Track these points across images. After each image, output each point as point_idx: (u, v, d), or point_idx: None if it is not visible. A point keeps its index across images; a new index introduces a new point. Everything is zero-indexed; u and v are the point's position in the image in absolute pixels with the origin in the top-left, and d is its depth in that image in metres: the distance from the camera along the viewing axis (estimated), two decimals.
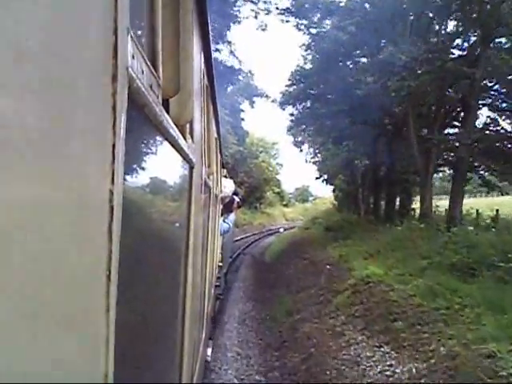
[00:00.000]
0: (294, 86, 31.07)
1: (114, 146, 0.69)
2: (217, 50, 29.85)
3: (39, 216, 0.53)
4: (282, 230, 46.35)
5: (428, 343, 8.69)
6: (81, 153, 0.63)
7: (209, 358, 5.56)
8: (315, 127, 33.09)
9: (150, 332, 1.32)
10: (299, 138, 48.94)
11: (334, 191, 48.61)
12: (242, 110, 41.37)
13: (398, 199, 31.36)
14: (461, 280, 11.48)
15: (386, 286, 12.02)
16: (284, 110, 33.76)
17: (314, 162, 49.25)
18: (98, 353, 0.67)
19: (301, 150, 50.84)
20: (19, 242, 0.50)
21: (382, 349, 9.30)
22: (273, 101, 35.06)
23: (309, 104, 31.49)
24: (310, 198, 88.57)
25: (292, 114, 33.89)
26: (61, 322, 0.58)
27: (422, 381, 7.87)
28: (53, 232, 0.56)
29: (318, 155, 45.03)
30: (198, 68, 2.26)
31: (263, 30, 32.14)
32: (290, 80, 30.62)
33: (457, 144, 22.86)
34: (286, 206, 73.84)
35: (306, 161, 51.93)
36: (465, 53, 22.29)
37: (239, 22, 31.26)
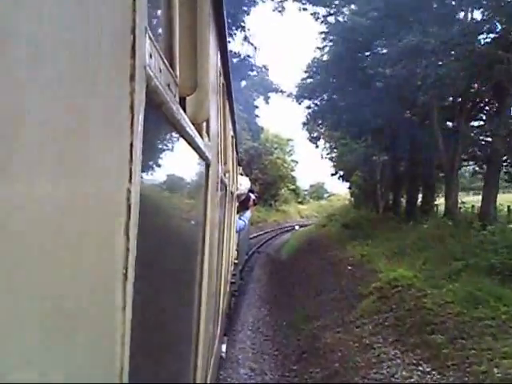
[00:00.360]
0: (311, 79, 29.99)
1: (131, 144, 0.69)
2: (230, 35, 28.04)
3: (58, 214, 0.53)
4: (297, 227, 45.42)
5: (477, 362, 7.41)
6: (99, 151, 0.63)
7: (223, 355, 5.56)
8: (332, 121, 31.27)
9: (166, 328, 1.33)
10: (315, 134, 47.69)
11: (350, 188, 47.42)
12: (257, 107, 40.64)
13: (419, 195, 29.39)
14: (504, 285, 10.26)
15: (418, 290, 10.88)
16: (300, 103, 32.59)
17: (331, 158, 48.19)
18: (114, 350, 0.68)
19: (316, 146, 48.89)
20: (38, 240, 0.50)
21: (421, 367, 8.01)
22: (288, 95, 33.87)
23: (326, 97, 30.24)
24: (325, 195, 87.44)
25: (309, 107, 32.66)
26: (78, 320, 0.58)
27: None
28: (71, 230, 0.56)
29: (335, 150, 43.90)
30: (214, 66, 2.27)
31: (280, 11, 30.51)
32: (306, 72, 29.61)
33: (482, 137, 21.88)
34: (300, 203, 72.81)
35: (322, 157, 50.30)
36: (497, 35, 19.79)
37: (254, 5, 30.15)
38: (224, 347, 5.71)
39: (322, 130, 45.65)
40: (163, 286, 1.26)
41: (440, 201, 28.64)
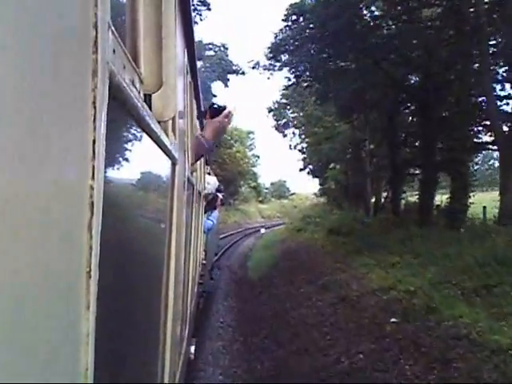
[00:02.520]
0: (288, 32, 23.02)
1: (94, 141, 0.68)
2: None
3: (18, 212, 0.52)
4: (262, 230, 38.95)
5: None
6: (61, 148, 0.62)
7: (192, 356, 5.54)
8: (320, 90, 24.51)
9: (132, 328, 1.32)
10: (283, 121, 44.21)
11: (321, 184, 42.32)
12: (214, 95, 35.04)
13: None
14: None
15: None
16: (273, 69, 25.72)
17: (301, 150, 43.46)
18: (79, 350, 0.67)
19: (284, 135, 45.81)
20: None
21: None
22: (254, 66, 27.17)
23: (312, 52, 22.38)
24: (287, 194, 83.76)
25: (288, 65, 24.59)
26: (39, 319, 0.57)
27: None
28: (32, 227, 0.55)
29: (307, 140, 38.58)
30: (181, 64, 2.26)
31: None
32: (285, 20, 22.81)
33: None
34: (261, 202, 68.35)
35: (291, 147, 46.30)
36: None
37: None
38: (193, 348, 5.69)
39: (294, 114, 42.52)
40: (128, 285, 1.25)
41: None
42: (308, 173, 43.97)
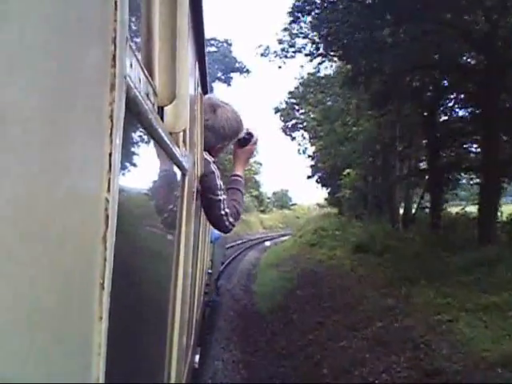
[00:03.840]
0: None
1: (110, 154, 0.69)
2: None
3: (35, 222, 0.53)
4: (267, 243, 35.60)
5: None
6: (79, 161, 0.63)
7: (196, 365, 5.53)
8: (344, 72, 20.61)
9: (141, 339, 1.32)
10: (291, 122, 40.03)
11: (333, 193, 37.49)
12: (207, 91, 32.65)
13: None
14: None
15: None
16: (286, 55, 22.09)
17: (311, 155, 39.19)
18: (91, 362, 0.68)
19: (293, 138, 41.85)
20: (14, 250, 0.50)
21: None
22: (263, 53, 24.10)
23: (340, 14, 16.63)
24: (289, 204, 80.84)
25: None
26: (54, 331, 0.58)
27: None
28: (48, 239, 0.56)
29: (320, 143, 33.03)
30: (192, 77, 2.28)
31: None
32: None
33: None
34: (262, 211, 64.93)
35: (299, 151, 42.61)
36: None
37: None
38: (197, 358, 5.68)
39: (304, 116, 37.57)
40: (138, 296, 1.26)
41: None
42: (317, 181, 40.71)
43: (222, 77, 36.36)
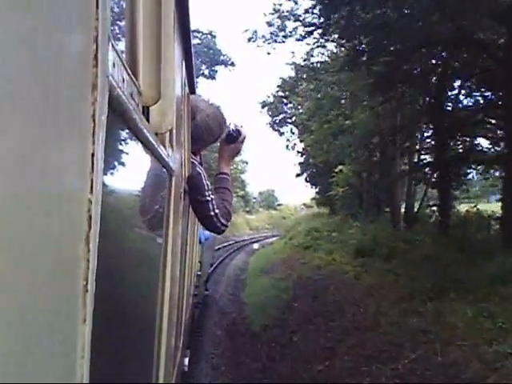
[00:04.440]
0: None
1: (93, 154, 0.68)
2: None
3: (16, 225, 0.52)
4: (256, 245, 33.54)
5: None
6: (60, 162, 0.62)
7: (186, 368, 5.52)
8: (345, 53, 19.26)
9: (126, 341, 1.31)
10: (279, 117, 38.11)
11: (324, 192, 35.13)
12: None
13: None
14: None
15: None
16: (276, 39, 21.29)
17: (300, 152, 36.86)
18: (74, 364, 0.67)
19: (281, 133, 40.12)
20: None
21: None
22: (251, 38, 23.03)
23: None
24: (276, 204, 78.69)
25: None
26: (36, 333, 0.57)
27: None
28: (30, 241, 0.55)
29: (311, 137, 30.29)
30: (179, 77, 2.27)
31: None
32: None
33: None
34: (249, 212, 63.16)
35: (288, 147, 40.69)
36: None
37: None
38: (186, 360, 5.66)
39: (293, 110, 35.37)
40: (125, 297, 1.25)
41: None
42: (306, 179, 39.03)
43: (206, 70, 34.80)
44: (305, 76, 29.70)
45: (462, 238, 15.44)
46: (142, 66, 1.17)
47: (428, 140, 22.82)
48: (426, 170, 21.16)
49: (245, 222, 55.13)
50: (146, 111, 1.47)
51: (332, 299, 12.87)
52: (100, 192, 0.73)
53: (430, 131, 21.47)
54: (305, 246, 23.82)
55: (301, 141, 37.21)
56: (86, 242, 0.68)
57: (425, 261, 13.39)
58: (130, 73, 1.01)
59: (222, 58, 35.28)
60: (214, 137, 3.32)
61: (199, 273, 9.65)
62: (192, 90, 3.62)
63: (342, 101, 27.30)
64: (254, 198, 74.79)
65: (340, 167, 27.55)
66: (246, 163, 59.93)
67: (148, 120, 1.49)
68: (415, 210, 22.31)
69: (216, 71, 35.86)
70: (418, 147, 22.79)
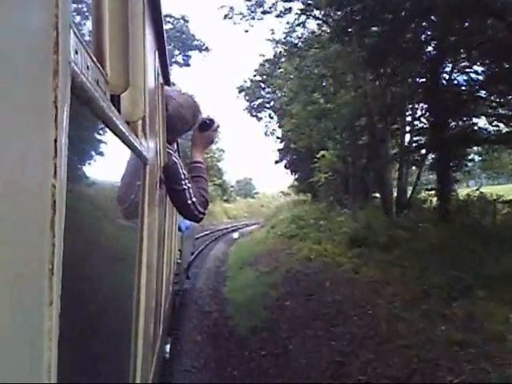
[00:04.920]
0: None
1: (55, 140, 0.69)
2: None
3: None
4: (235, 234, 32.37)
5: None
6: (22, 147, 0.63)
7: (167, 355, 5.54)
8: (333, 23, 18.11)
9: (100, 327, 1.32)
10: (257, 102, 37.19)
11: (298, 179, 35.65)
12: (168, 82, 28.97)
13: None
14: None
15: None
16: (254, 16, 20.54)
17: (280, 138, 35.89)
18: (41, 348, 0.68)
19: (259, 119, 39.16)
20: None
21: None
22: (227, 15, 22.05)
23: None
24: (253, 192, 78.55)
25: None
26: (2, 316, 0.58)
27: None
28: None
29: (292, 121, 28.76)
30: (151, 66, 2.26)
31: None
32: None
33: None
34: (226, 201, 61.99)
35: (267, 134, 39.84)
36: None
37: None
38: (168, 347, 5.69)
39: (271, 95, 34.15)
40: (96, 283, 1.26)
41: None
42: (285, 166, 37.96)
43: (180, 56, 33.51)
44: (286, 54, 27.72)
45: (469, 223, 13.98)
46: (109, 53, 1.17)
47: (420, 120, 21.26)
48: (421, 151, 20.15)
49: (222, 210, 54.07)
50: (116, 100, 1.47)
51: (330, 298, 11.01)
52: (65, 177, 0.74)
53: (423, 110, 20.25)
54: (290, 235, 22.29)
55: (280, 126, 36.20)
56: (51, 227, 0.69)
57: (432, 251, 11.66)
58: (96, 60, 1.01)
59: (195, 42, 34.08)
60: (187, 125, 3.32)
61: (179, 261, 9.66)
62: (166, 81, 3.61)
63: (326, 82, 25.53)
64: (232, 187, 73.05)
65: (322, 152, 26.59)
66: (223, 151, 59.13)
67: (119, 109, 1.49)
68: (407, 195, 20.87)
69: (190, 57, 34.68)
70: (408, 128, 21.48)
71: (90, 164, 1.13)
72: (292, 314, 10.87)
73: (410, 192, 20.99)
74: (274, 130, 38.82)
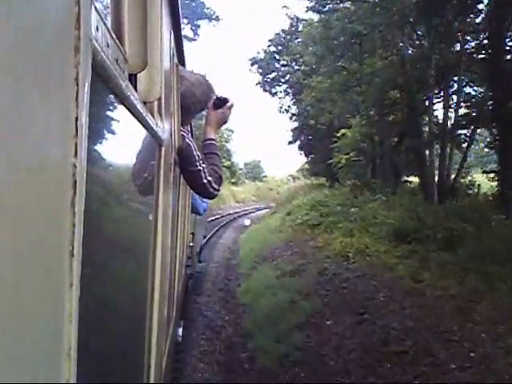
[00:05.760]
0: None
1: (76, 118, 0.68)
2: None
3: None
4: (247, 221, 28.99)
5: None
6: (43, 125, 0.62)
7: (179, 338, 5.57)
8: None
9: (116, 309, 1.32)
10: (271, 75, 34.18)
11: (312, 162, 32.82)
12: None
13: None
14: None
15: None
16: None
17: (295, 114, 32.86)
18: (62, 329, 0.67)
19: (273, 94, 36.23)
20: None
21: None
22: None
23: None
24: (262, 175, 75.65)
25: None
26: (22, 297, 0.57)
27: None
28: (14, 207, 0.55)
29: (312, 94, 25.56)
30: (167, 46, 2.24)
31: None
32: None
33: None
34: (234, 184, 58.52)
35: (281, 110, 36.27)
36: None
37: None
38: (180, 331, 5.72)
39: (287, 67, 31.66)
40: (113, 266, 1.25)
41: None
42: (300, 147, 35.48)
43: (188, 26, 31.17)
44: (311, 4, 23.49)
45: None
46: (128, 32, 1.16)
47: (472, 89, 18.45)
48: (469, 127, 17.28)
49: (231, 194, 51.13)
50: (133, 80, 1.46)
51: (395, 321, 7.78)
52: (85, 157, 0.73)
53: (476, 77, 17.35)
54: (311, 224, 18.64)
55: (295, 102, 33.65)
56: (72, 206, 0.67)
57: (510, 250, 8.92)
58: (115, 38, 0.99)
59: (205, 11, 31.77)
60: (200, 105, 3.30)
61: (192, 244, 9.68)
62: (181, 61, 3.59)
63: (355, 46, 21.55)
64: (240, 169, 70.18)
65: (343, 131, 23.41)
66: (232, 132, 55.77)
67: (135, 88, 1.48)
68: (451, 179, 17.93)
69: (199, 26, 32.27)
70: (455, 99, 18.24)
71: (106, 144, 1.12)
72: (340, 342, 7.57)
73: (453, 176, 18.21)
74: (289, 106, 35.58)
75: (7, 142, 0.53)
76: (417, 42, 17.50)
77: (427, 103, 18.76)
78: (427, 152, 18.03)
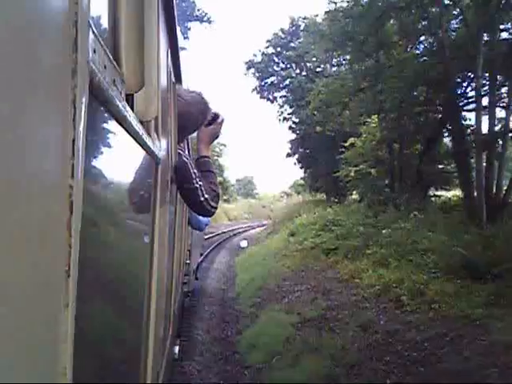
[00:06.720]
0: None
1: (73, 140, 0.68)
2: None
3: None
4: (243, 243, 25.51)
5: None
6: (40, 147, 0.62)
7: (176, 356, 5.53)
8: None
9: (113, 328, 1.32)
10: (269, 80, 32.03)
11: (308, 177, 31.07)
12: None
13: None
14: None
15: None
16: None
17: (296, 122, 30.06)
18: (58, 349, 0.67)
19: (272, 100, 33.68)
20: None
21: None
22: None
23: None
24: (254, 192, 75.36)
25: None
26: (17, 318, 0.57)
27: None
28: (10, 227, 0.55)
29: (322, 90, 21.33)
30: (164, 64, 2.26)
31: None
32: None
33: None
34: (226, 201, 55.76)
35: (280, 119, 33.45)
36: None
37: None
38: (177, 349, 5.68)
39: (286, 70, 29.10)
40: (109, 285, 1.25)
41: None
42: (298, 160, 32.90)
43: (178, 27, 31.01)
44: None
45: None
46: (125, 52, 1.17)
47: None
48: None
49: (223, 211, 48.95)
50: (130, 99, 1.47)
51: None
52: (82, 178, 0.73)
53: None
54: (326, 249, 15.24)
55: (294, 110, 30.71)
56: (68, 227, 0.68)
57: None
58: (112, 59, 1.00)
59: (196, 12, 30.01)
60: (197, 123, 3.33)
61: (188, 261, 9.65)
62: (178, 80, 3.61)
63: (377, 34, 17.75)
64: (232, 186, 67.16)
65: (351, 140, 20.55)
66: (224, 146, 52.74)
67: (132, 108, 1.49)
68: (502, 192, 14.68)
69: (189, 29, 30.26)
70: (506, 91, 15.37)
71: (103, 164, 1.12)
72: None
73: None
74: (289, 114, 32.41)
75: (4, 163, 0.54)
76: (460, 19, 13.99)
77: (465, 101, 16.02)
78: (472, 160, 15.04)
